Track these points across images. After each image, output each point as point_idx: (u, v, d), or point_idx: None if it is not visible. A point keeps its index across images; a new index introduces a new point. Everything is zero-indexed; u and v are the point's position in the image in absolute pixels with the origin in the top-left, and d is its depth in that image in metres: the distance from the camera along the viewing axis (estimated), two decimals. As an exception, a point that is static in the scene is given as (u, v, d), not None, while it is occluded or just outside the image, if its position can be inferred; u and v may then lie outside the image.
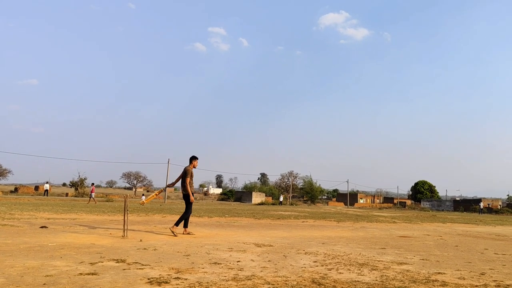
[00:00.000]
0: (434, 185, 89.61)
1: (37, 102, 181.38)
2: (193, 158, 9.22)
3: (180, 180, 9.16)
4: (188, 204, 9.04)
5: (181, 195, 9.53)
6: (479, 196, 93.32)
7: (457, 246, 8.93)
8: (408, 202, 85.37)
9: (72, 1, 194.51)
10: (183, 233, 8.92)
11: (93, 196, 30.08)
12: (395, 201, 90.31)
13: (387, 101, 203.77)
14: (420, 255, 7.07)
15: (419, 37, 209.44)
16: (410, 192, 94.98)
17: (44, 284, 3.79)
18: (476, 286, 4.51)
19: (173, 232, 8.62)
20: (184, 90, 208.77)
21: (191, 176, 9.07)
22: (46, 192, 45.38)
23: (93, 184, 32.44)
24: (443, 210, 66.06)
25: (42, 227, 9.23)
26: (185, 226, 9.11)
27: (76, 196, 49.68)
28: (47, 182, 48.67)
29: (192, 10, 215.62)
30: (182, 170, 9.13)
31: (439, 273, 5.28)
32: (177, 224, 8.89)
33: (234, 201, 68.44)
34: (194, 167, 9.22)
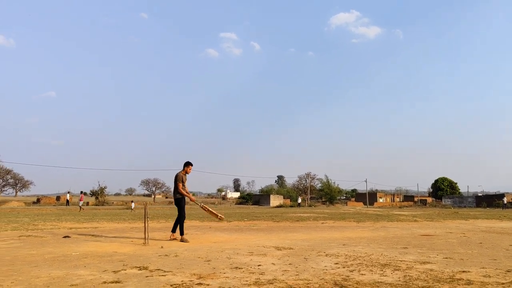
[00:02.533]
0: (455, 181, 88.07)
1: (56, 114, 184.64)
2: (186, 164, 9.11)
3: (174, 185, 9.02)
4: (180, 209, 8.86)
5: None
6: (501, 191, 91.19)
7: (481, 243, 8.76)
8: (429, 199, 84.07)
9: (86, 14, 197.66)
10: (170, 238, 8.84)
11: (80, 205, 30.70)
12: (416, 199, 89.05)
13: (405, 99, 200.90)
14: (443, 253, 6.96)
15: (433, 34, 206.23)
16: (431, 190, 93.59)
17: (69, 293, 3.85)
18: (503, 284, 4.42)
19: (172, 238, 8.69)
20: (199, 96, 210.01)
21: (183, 181, 8.94)
22: (67, 202, 46.11)
23: (82, 192, 33.12)
24: (465, 207, 64.89)
25: (65, 237, 9.40)
26: (173, 231, 8.95)
27: (97, 205, 50.37)
28: (68, 192, 49.46)
29: (203, 16, 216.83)
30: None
31: (463, 271, 5.19)
32: (173, 230, 8.87)
33: (252, 204, 68.45)
34: (187, 172, 9.08)
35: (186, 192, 8.95)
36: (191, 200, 9.09)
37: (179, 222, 8.85)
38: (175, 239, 8.80)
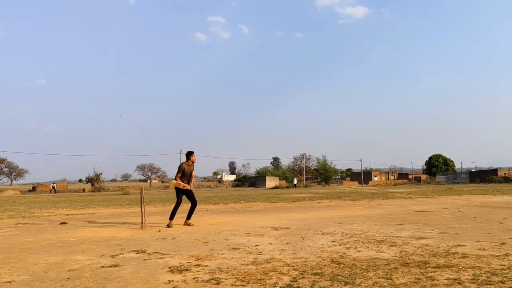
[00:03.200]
0: (449, 158, 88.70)
1: (47, 101, 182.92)
2: (188, 154, 9.14)
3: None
4: (178, 195, 8.92)
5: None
6: (495, 166, 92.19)
7: (475, 217, 8.87)
8: (423, 177, 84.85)
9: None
10: (183, 224, 8.76)
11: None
12: (410, 176, 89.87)
13: (396, 76, 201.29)
14: (439, 228, 7.04)
15: (419, 12, 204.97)
16: (425, 167, 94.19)
17: (67, 278, 3.86)
18: (497, 256, 4.47)
19: (168, 226, 8.46)
20: (190, 80, 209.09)
21: (184, 172, 8.87)
22: (54, 190, 48.68)
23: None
24: (459, 183, 65.57)
25: (62, 223, 9.39)
26: (188, 218, 9.02)
27: (93, 191, 50.38)
28: (53, 183, 52.41)
29: (190, 0, 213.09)
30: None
31: (459, 245, 5.25)
32: (171, 217, 8.72)
33: (248, 186, 68.72)
34: (193, 162, 9.08)
35: (183, 183, 8.81)
36: (188, 188, 8.90)
37: (176, 207, 8.87)
38: (188, 224, 8.74)
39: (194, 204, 9.12)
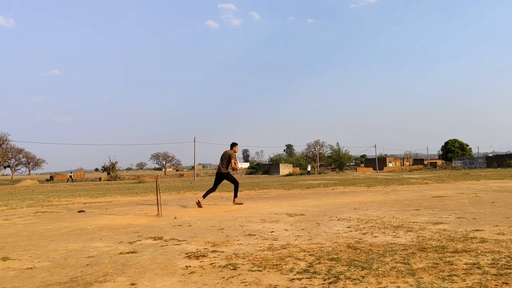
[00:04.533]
0: (465, 143, 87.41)
1: (62, 92, 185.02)
2: (234, 145, 10.52)
3: (221, 161, 10.46)
4: (233, 179, 10.37)
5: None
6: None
7: (493, 202, 8.74)
8: (439, 162, 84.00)
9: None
10: (235, 203, 10.16)
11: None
12: (426, 162, 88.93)
13: (410, 61, 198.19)
14: (456, 213, 6.96)
15: None
16: (441, 152, 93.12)
17: (87, 265, 3.93)
18: (517, 240, 4.40)
19: (238, 203, 10.06)
20: (203, 68, 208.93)
21: (235, 158, 10.39)
22: (71, 179, 48.61)
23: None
24: (475, 168, 64.69)
25: (80, 211, 9.55)
26: (235, 196, 10.40)
27: (109, 180, 51.08)
28: (71, 172, 52.41)
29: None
30: (225, 153, 10.44)
31: (477, 230, 5.19)
32: (235, 196, 10.37)
33: (262, 174, 68.90)
34: (235, 152, 10.49)
35: (234, 166, 10.36)
36: (236, 169, 10.44)
37: (236, 187, 10.45)
38: (239, 203, 10.13)
39: (235, 183, 10.54)
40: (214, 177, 10.57)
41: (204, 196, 10.16)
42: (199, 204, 9.66)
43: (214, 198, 12.69)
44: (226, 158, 10.35)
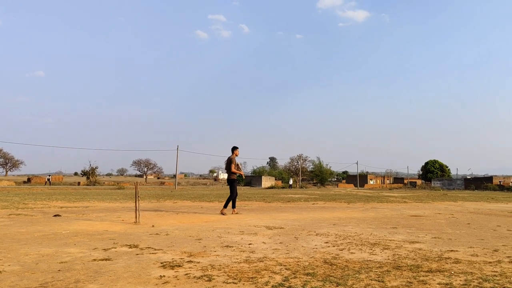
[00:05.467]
0: (445, 164, 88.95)
1: (45, 93, 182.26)
2: (235, 148, 10.60)
3: (226, 168, 10.69)
4: (233, 188, 10.41)
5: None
6: (490, 174, 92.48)
7: (469, 223, 8.89)
8: (419, 182, 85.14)
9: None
10: (232, 213, 10.23)
11: None
12: (405, 181, 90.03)
13: (394, 81, 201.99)
14: (432, 233, 7.05)
15: (418, 17, 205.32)
16: (421, 172, 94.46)
17: (58, 270, 3.84)
18: (490, 262, 4.48)
19: (222, 213, 10.09)
20: (189, 77, 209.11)
21: (237, 163, 10.57)
22: (49, 182, 47.67)
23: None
24: (454, 189, 65.73)
25: (55, 215, 9.35)
26: (225, 206, 10.38)
27: (88, 185, 50.26)
28: (49, 175, 51.34)
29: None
30: (227, 159, 10.62)
31: (451, 250, 5.26)
32: (225, 206, 10.28)
33: (244, 185, 68.73)
34: (236, 155, 10.58)
35: (240, 170, 10.61)
36: (241, 174, 10.76)
37: (232, 198, 10.34)
38: (237, 213, 10.28)
39: (232, 195, 10.55)
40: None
41: (225, 206, 10.33)
42: (233, 212, 10.24)
43: (194, 208, 12.60)
44: (228, 164, 10.50)
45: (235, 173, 10.45)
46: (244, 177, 11.20)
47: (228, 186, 10.61)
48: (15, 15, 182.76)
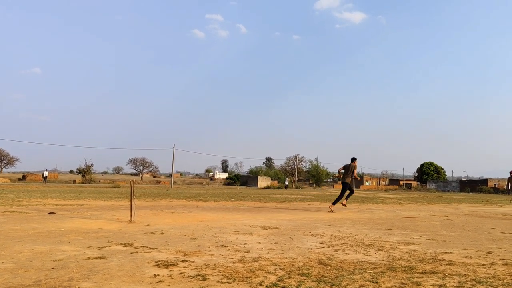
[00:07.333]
0: (440, 166, 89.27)
1: (42, 91, 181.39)
2: (354, 159, 12.49)
3: (345, 172, 12.50)
4: (347, 187, 12.50)
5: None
6: (485, 176, 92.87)
7: (463, 225, 8.92)
8: (414, 183, 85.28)
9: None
10: (343, 204, 12.76)
11: None
12: (401, 183, 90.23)
13: (391, 82, 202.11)
14: (427, 235, 7.07)
15: (414, 20, 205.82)
16: (416, 174, 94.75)
17: (52, 268, 3.82)
18: (483, 264, 4.50)
19: (343, 205, 12.83)
20: (186, 76, 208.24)
21: (351, 170, 12.40)
22: (45, 179, 47.14)
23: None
24: (449, 191, 65.99)
25: (50, 213, 9.32)
26: (334, 203, 12.49)
27: (83, 183, 50.10)
28: (46, 170, 50.59)
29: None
30: (346, 165, 12.47)
31: (446, 252, 5.28)
32: (334, 203, 12.53)
33: (240, 185, 68.67)
34: (354, 165, 12.47)
35: (356, 176, 12.59)
36: (357, 177, 12.90)
37: (343, 195, 12.57)
38: (331, 211, 11.96)
39: (351, 192, 12.83)
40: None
41: (334, 203, 12.39)
42: (343, 205, 12.75)
43: (189, 207, 12.59)
44: (351, 170, 12.31)
45: (355, 178, 12.62)
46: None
47: (341, 186, 12.88)
48: (11, 11, 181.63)
